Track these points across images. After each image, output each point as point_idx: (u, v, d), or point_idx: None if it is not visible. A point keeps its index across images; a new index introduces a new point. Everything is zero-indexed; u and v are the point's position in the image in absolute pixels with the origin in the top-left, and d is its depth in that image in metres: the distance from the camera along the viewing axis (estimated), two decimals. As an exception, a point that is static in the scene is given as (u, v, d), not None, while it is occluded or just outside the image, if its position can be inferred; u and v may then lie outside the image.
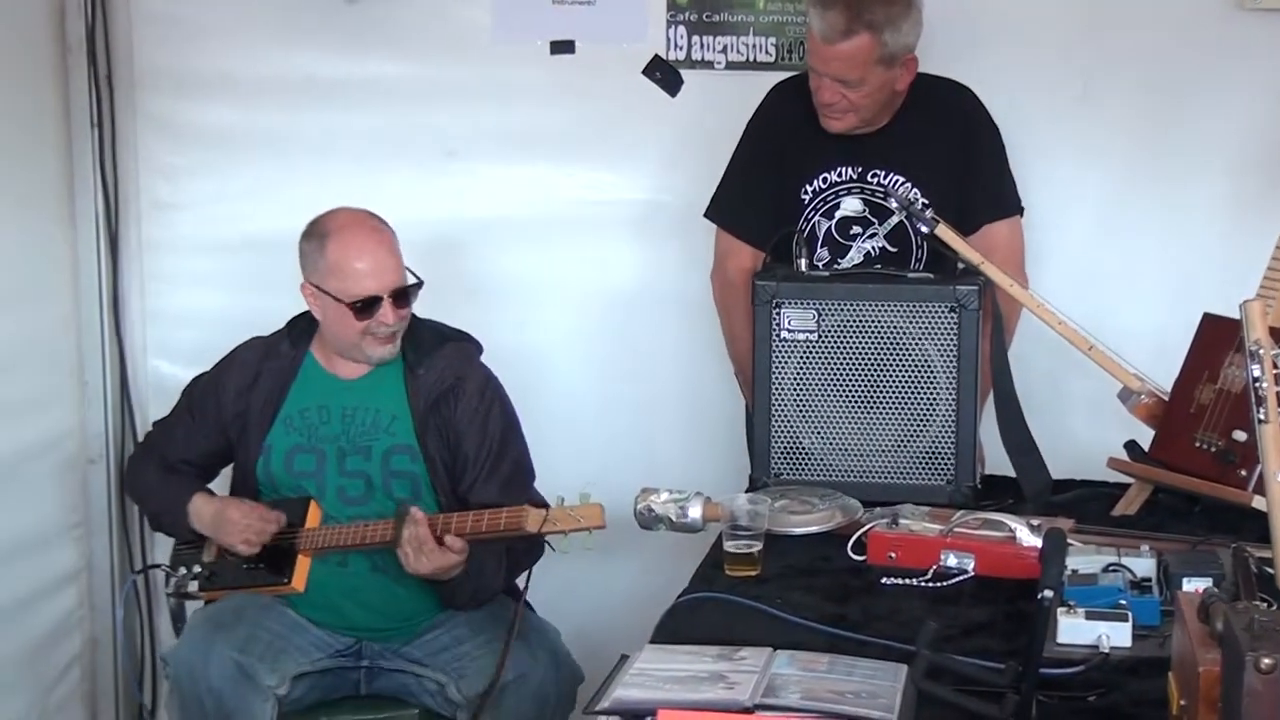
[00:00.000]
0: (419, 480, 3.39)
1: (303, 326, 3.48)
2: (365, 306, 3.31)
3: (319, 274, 3.34)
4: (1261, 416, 2.28)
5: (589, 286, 4.06)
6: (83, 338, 4.10)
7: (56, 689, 4.03)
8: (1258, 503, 2.70)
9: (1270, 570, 2.37)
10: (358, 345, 3.37)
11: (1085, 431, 3.58)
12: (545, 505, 3.24)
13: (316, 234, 3.36)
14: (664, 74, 3.95)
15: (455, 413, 3.39)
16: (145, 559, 4.05)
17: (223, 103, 4.10)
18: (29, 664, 3.90)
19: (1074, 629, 2.43)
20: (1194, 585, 2.44)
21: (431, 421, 3.39)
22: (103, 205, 4.07)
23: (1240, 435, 2.93)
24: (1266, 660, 1.45)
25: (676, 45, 3.95)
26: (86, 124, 4.03)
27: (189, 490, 3.48)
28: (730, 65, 3.93)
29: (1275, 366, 2.28)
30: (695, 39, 3.94)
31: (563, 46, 3.98)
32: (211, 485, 3.55)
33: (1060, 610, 2.44)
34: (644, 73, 3.96)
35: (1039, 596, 2.27)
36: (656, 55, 3.96)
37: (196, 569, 3.46)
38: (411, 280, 3.37)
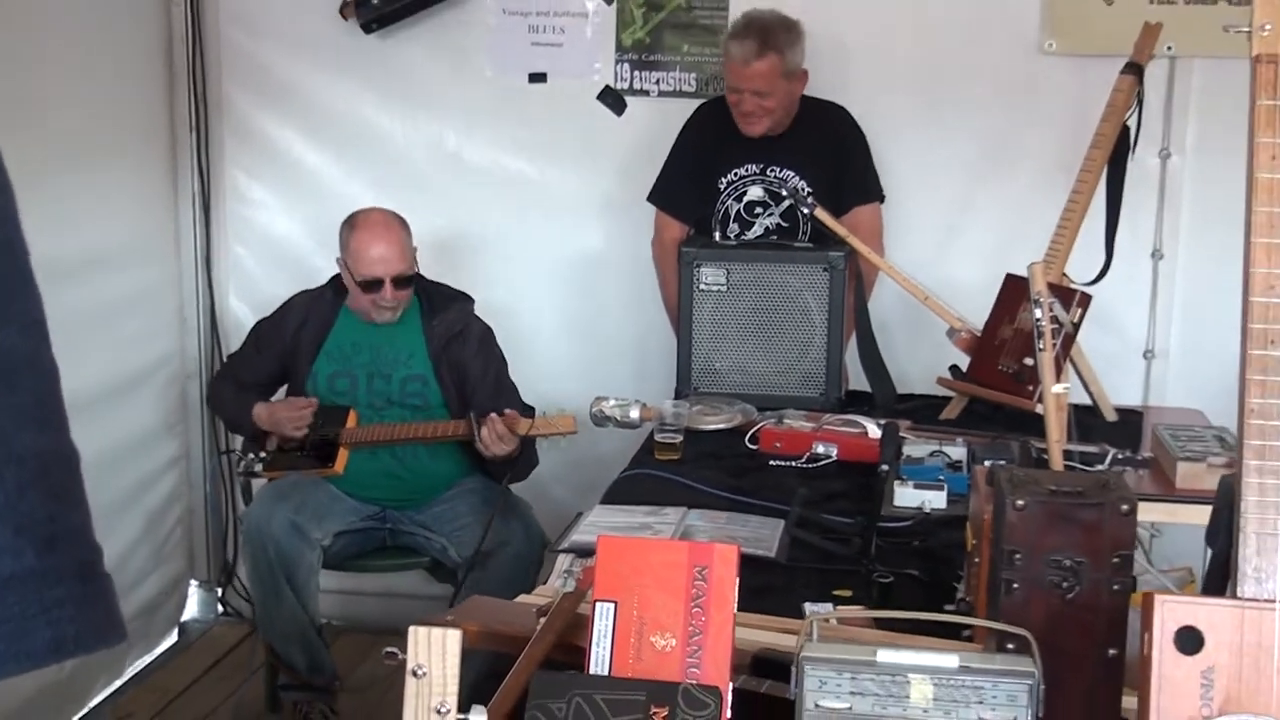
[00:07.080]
0: (427, 398, 3.42)
1: (341, 284, 3.50)
2: (370, 285, 3.34)
3: (346, 253, 3.39)
4: (1041, 347, 2.29)
5: (562, 255, 4.04)
6: (183, 285, 4.11)
7: (166, 545, 4.08)
8: (1039, 409, 2.67)
9: (1044, 455, 2.40)
10: (366, 310, 3.41)
11: (921, 359, 3.56)
12: (532, 412, 3.29)
13: (349, 223, 3.41)
14: (613, 99, 3.94)
15: (463, 351, 3.43)
16: (227, 446, 4.11)
17: (283, 117, 4.08)
18: (147, 528, 3.94)
19: (905, 495, 2.51)
20: (989, 464, 2.44)
21: (444, 357, 3.42)
22: (199, 189, 4.08)
23: (1029, 361, 2.97)
24: (1020, 501, 1.55)
25: (621, 78, 3.92)
26: (188, 130, 4.04)
27: (252, 402, 3.52)
28: (662, 93, 3.90)
29: (1050, 311, 2.27)
30: (636, 73, 3.91)
31: (538, 78, 3.95)
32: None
33: (895, 481, 2.50)
34: (598, 98, 3.94)
35: (879, 470, 2.35)
36: (607, 85, 3.94)
37: (262, 454, 3.52)
38: (411, 271, 3.39)
